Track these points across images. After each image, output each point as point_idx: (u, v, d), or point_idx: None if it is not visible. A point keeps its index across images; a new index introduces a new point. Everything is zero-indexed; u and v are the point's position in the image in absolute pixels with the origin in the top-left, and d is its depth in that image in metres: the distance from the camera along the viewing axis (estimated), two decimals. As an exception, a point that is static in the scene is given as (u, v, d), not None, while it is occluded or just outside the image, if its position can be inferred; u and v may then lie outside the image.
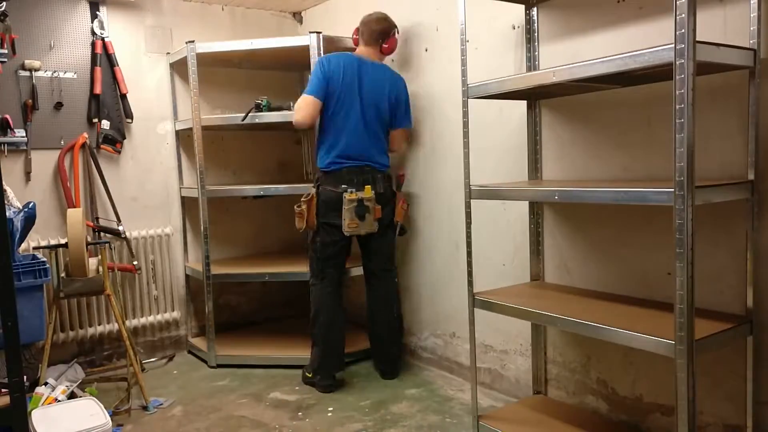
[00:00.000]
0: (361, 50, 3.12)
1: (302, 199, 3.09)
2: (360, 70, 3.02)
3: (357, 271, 3.49)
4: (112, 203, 3.47)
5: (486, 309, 2.38)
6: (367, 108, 3.03)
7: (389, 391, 3.03)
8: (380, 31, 3.09)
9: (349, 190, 2.99)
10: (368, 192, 3.00)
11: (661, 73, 1.85)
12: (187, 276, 3.83)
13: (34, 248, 3.15)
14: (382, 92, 3.04)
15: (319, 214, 3.07)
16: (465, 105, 2.33)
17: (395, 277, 3.27)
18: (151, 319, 3.65)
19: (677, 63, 1.57)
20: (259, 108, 3.38)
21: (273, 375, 3.29)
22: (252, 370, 3.36)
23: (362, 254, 3.24)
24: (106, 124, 3.48)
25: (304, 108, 3.00)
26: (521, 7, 2.59)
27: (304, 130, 4.11)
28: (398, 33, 3.17)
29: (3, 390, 2.41)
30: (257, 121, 3.37)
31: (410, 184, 3.39)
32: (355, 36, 3.19)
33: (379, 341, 3.25)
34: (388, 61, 3.45)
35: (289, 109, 3.34)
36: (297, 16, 4.20)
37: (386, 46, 3.11)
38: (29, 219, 2.75)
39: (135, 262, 3.49)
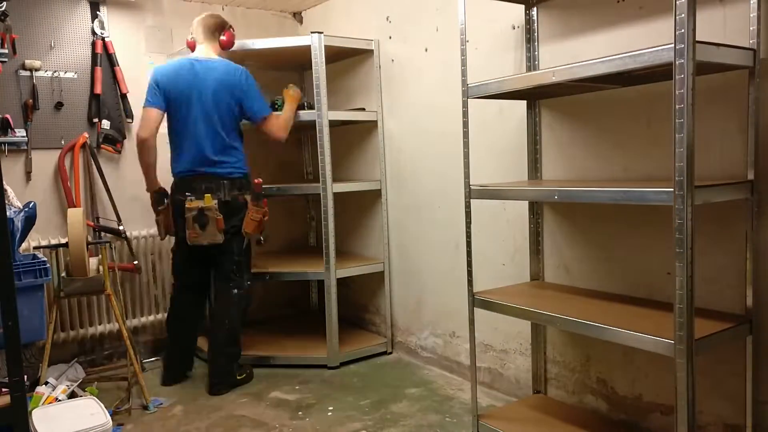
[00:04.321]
0: (200, 50, 3.07)
1: (159, 208, 3.11)
2: (195, 73, 2.96)
3: (356, 270, 3.50)
4: (113, 203, 3.47)
5: (486, 309, 2.38)
6: (207, 112, 2.96)
7: (389, 391, 3.03)
8: (215, 25, 3.07)
9: (189, 198, 2.92)
10: (208, 201, 2.89)
11: (661, 73, 1.85)
12: (187, 276, 3.82)
13: (35, 248, 3.14)
14: (220, 93, 2.96)
15: (175, 222, 3.07)
16: (465, 105, 2.33)
17: (235, 289, 3.08)
18: (151, 318, 3.65)
19: (677, 63, 1.57)
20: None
21: (273, 374, 3.28)
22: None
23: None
24: (106, 123, 3.48)
25: (143, 121, 3.01)
26: (521, 7, 2.59)
27: (304, 130, 4.11)
28: (233, 30, 3.13)
29: (3, 389, 2.40)
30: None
31: (409, 184, 3.39)
32: (188, 40, 3.13)
33: (210, 350, 3.14)
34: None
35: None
36: (297, 16, 4.20)
37: (224, 39, 3.07)
38: (30, 219, 2.75)
39: (135, 262, 3.49)
